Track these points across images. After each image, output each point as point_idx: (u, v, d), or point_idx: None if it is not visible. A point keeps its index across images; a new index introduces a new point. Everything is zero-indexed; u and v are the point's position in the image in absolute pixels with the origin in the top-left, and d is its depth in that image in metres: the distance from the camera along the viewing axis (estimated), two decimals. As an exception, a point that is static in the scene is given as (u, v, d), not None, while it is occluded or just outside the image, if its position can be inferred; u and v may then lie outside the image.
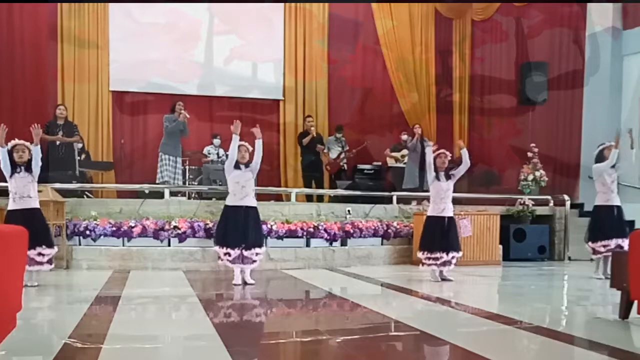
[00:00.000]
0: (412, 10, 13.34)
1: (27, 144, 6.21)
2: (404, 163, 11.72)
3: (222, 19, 12.52)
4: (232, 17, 12.47)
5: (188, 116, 9.83)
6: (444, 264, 7.14)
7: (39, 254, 6.15)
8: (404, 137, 11.88)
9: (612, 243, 7.41)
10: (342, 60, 13.07)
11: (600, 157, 7.60)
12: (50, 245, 6.30)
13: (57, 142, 9.51)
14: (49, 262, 6.32)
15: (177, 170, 9.90)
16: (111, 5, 11.76)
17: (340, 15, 13.06)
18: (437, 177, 7.13)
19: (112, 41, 11.78)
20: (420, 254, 7.24)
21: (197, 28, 12.33)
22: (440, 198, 7.12)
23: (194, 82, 12.27)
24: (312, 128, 11.35)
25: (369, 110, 13.20)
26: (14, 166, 6.15)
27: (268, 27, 12.72)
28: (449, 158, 7.28)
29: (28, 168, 6.19)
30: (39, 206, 6.28)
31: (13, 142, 6.21)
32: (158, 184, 9.66)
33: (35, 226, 6.01)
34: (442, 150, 7.28)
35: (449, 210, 7.15)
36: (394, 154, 11.84)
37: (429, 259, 7.13)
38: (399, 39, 13.21)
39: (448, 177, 7.18)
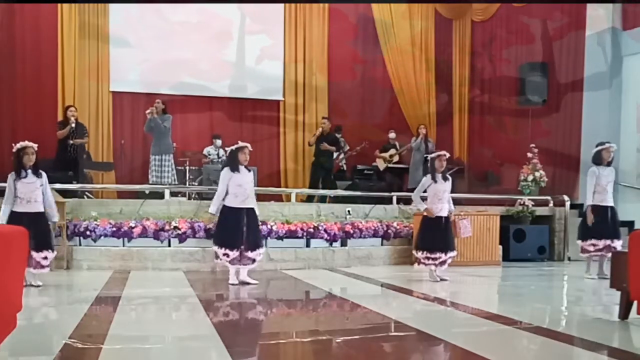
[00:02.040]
0: (412, 10, 13.35)
1: (36, 146, 6.20)
2: (394, 163, 11.72)
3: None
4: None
5: (147, 112, 9.75)
6: (442, 263, 7.16)
7: (45, 257, 6.15)
8: (392, 135, 11.87)
9: (601, 243, 7.41)
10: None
11: (598, 158, 7.58)
12: (53, 249, 6.34)
13: (70, 142, 9.49)
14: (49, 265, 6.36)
15: (164, 169, 9.81)
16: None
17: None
18: (434, 179, 7.14)
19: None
20: (418, 254, 7.21)
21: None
22: (438, 199, 7.13)
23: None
24: (321, 127, 11.31)
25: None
26: (20, 170, 6.10)
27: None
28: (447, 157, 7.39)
29: (35, 172, 6.16)
30: (43, 210, 6.25)
31: (23, 144, 6.15)
32: (151, 184, 9.65)
33: (42, 230, 6.10)
34: (442, 152, 7.33)
35: (445, 210, 7.17)
36: (382, 154, 11.84)
37: (428, 258, 7.13)
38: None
39: (445, 178, 7.21)
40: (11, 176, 6.11)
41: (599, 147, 7.62)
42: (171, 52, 11.95)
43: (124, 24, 11.90)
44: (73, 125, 9.51)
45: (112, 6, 11.80)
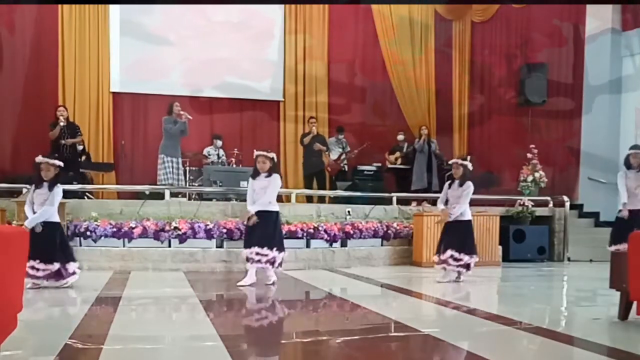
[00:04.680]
0: (412, 11, 13.37)
1: (53, 161, 6.27)
2: (400, 164, 11.74)
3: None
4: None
5: (190, 117, 9.86)
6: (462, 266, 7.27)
7: (39, 269, 6.04)
8: (400, 137, 11.90)
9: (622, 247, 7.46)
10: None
11: (627, 162, 7.62)
12: (54, 261, 6.13)
13: (62, 143, 9.53)
14: (54, 276, 6.21)
15: (179, 172, 9.97)
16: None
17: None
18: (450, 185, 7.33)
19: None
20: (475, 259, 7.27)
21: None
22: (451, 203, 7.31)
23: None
24: (314, 128, 11.34)
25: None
26: (38, 182, 6.21)
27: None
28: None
29: (51, 185, 6.19)
30: (57, 221, 6.25)
31: (37, 159, 6.26)
32: (164, 185, 9.65)
33: (47, 241, 6.06)
34: (454, 160, 7.50)
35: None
36: (390, 156, 11.87)
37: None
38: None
39: (460, 184, 7.24)
40: (31, 187, 6.28)
41: (628, 152, 7.67)
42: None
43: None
44: (62, 124, 9.50)
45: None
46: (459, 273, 7.24)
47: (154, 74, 11.91)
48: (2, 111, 11.18)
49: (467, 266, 7.19)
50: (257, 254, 6.64)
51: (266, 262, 6.67)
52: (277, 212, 6.81)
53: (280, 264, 6.83)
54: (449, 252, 7.14)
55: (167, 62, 12.00)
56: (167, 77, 11.99)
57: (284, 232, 8.42)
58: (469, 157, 7.40)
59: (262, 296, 6.36)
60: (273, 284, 6.75)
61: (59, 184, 6.29)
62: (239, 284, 6.66)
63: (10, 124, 11.20)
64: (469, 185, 7.19)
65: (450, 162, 7.56)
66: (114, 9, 11.82)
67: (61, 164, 6.38)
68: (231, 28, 12.42)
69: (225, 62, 12.28)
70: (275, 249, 6.67)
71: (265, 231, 6.67)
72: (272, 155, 6.85)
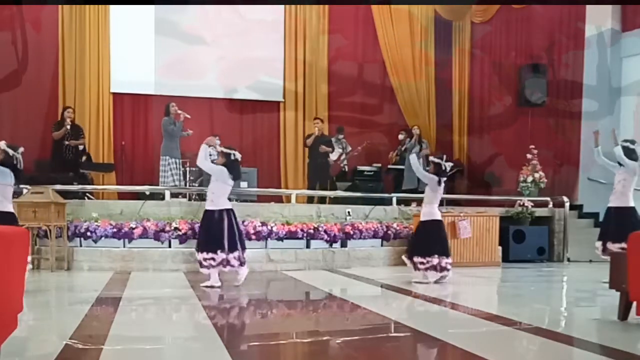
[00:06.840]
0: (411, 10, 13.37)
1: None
2: (394, 164, 11.77)
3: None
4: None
5: (188, 116, 9.86)
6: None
7: None
8: (401, 136, 11.91)
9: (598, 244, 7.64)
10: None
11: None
12: None
13: (65, 144, 9.53)
14: None
15: (180, 172, 10.00)
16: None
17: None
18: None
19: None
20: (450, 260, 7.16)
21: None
22: None
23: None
24: (316, 128, 11.31)
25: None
26: None
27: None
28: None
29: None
30: (9, 210, 5.93)
31: None
32: (173, 186, 9.64)
33: None
34: (430, 157, 7.54)
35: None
36: (391, 156, 11.91)
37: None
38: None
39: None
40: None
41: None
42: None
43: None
44: (68, 127, 9.53)
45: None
46: (425, 276, 7.08)
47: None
48: (2, 111, 11.17)
49: (435, 268, 6.99)
50: (205, 259, 6.49)
51: (217, 265, 6.48)
52: (221, 210, 6.56)
53: (242, 264, 6.54)
54: (416, 259, 7.09)
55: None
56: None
57: (283, 232, 8.46)
58: (444, 157, 7.29)
59: (262, 297, 6.36)
60: (213, 287, 6.49)
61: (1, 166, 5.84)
62: (202, 285, 6.54)
63: (10, 124, 11.18)
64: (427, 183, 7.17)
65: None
66: (116, 9, 11.79)
67: (7, 149, 5.89)
68: (231, 29, 12.39)
69: (226, 62, 12.28)
70: (219, 250, 6.43)
71: (209, 233, 6.53)
72: (224, 149, 6.80)
